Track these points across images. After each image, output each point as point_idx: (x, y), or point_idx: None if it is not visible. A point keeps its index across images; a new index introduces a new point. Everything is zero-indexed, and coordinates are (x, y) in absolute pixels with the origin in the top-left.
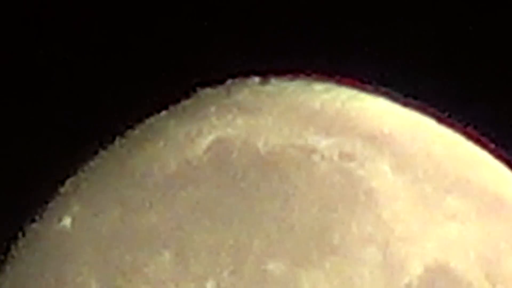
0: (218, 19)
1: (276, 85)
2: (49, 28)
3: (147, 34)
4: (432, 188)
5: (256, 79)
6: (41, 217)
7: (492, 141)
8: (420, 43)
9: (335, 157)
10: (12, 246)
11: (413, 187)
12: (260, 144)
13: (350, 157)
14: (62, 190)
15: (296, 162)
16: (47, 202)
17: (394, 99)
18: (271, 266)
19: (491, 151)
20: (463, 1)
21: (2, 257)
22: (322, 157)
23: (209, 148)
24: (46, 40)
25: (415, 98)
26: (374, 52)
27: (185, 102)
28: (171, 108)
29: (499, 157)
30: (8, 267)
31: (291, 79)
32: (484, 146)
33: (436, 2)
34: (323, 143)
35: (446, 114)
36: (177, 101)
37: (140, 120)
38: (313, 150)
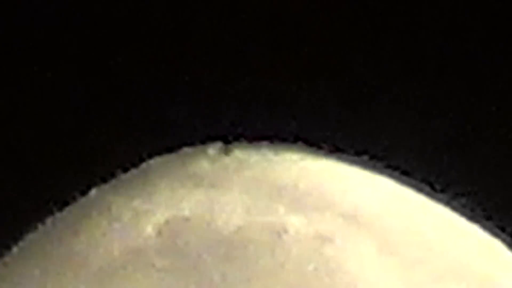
0: (173, 77)
1: (239, 154)
2: None
3: (91, 91)
4: (424, 273)
5: (216, 146)
6: None
7: (489, 216)
8: (406, 109)
9: (310, 239)
10: None
11: (403, 273)
12: (221, 224)
13: (327, 238)
14: None
15: (264, 244)
16: None
17: (376, 169)
18: None
19: (487, 227)
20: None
21: None
22: (295, 238)
23: (160, 229)
24: None
25: (401, 170)
26: (353, 118)
27: (132, 174)
28: (116, 180)
29: (496, 234)
30: None
31: (257, 148)
32: (480, 222)
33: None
34: (296, 222)
35: (437, 188)
36: (122, 171)
37: (78, 193)
38: (284, 230)
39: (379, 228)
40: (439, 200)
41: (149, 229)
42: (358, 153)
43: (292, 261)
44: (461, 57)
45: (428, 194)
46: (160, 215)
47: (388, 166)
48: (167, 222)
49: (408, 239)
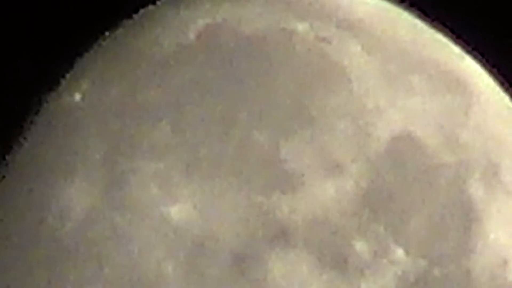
0: None
1: None
2: None
3: None
4: (397, 67)
5: None
6: (53, 94)
7: (454, 31)
8: None
9: (312, 40)
10: (26, 118)
11: (381, 67)
12: (245, 29)
13: (325, 39)
14: (72, 69)
15: (278, 44)
16: (59, 81)
17: None
18: (255, 135)
19: (452, 37)
20: None
21: (17, 128)
22: (301, 39)
23: (200, 33)
24: None
25: None
26: None
27: None
28: None
29: (457, 41)
30: (21, 138)
31: None
32: (446, 33)
33: None
34: (301, 27)
35: (414, 4)
36: None
37: (140, 8)
38: (293, 33)
39: (365, 32)
40: (418, 16)
41: (192, 33)
42: None
43: (298, 56)
44: None
45: (409, 10)
46: (200, 23)
47: None
48: (205, 28)
49: (387, 42)
